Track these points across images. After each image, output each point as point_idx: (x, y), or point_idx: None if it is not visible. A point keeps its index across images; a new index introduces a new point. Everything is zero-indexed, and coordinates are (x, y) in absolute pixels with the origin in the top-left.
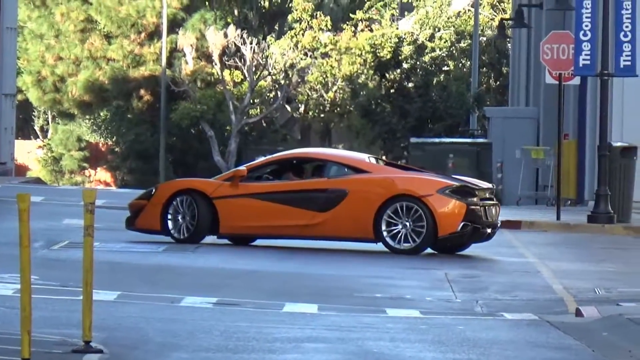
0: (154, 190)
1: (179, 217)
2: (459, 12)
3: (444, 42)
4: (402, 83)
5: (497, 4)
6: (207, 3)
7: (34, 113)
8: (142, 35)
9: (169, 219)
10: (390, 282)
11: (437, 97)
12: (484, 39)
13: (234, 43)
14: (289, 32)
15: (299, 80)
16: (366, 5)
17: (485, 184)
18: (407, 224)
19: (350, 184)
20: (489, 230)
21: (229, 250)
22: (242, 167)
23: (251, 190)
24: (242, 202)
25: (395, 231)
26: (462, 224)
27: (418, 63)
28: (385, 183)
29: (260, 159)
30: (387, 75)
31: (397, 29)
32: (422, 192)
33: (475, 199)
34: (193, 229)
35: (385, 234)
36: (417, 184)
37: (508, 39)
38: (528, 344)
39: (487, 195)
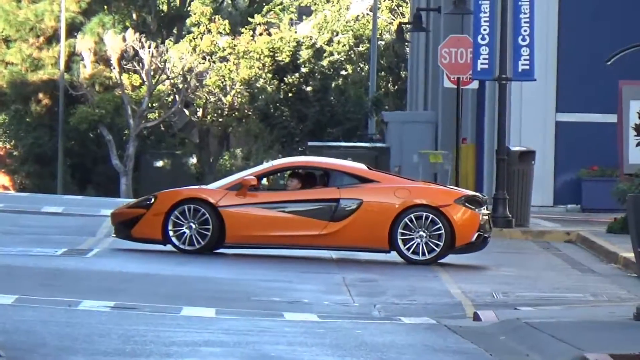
0: (152, 199)
1: (185, 228)
2: (358, 16)
3: (342, 46)
4: (300, 87)
5: (396, 8)
6: (105, 7)
7: None
8: (41, 39)
9: (175, 230)
10: (288, 286)
11: (335, 101)
12: (383, 43)
13: (133, 47)
14: (187, 36)
15: (197, 84)
16: (265, 9)
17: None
18: (423, 234)
19: (365, 194)
20: (488, 240)
21: (127, 254)
22: (251, 176)
23: (260, 200)
24: (251, 212)
25: (411, 241)
26: (477, 234)
27: (316, 67)
28: (402, 193)
29: (264, 167)
30: (286, 79)
31: (296, 32)
32: (440, 202)
33: (482, 209)
34: (207, 239)
35: (400, 244)
36: (434, 193)
37: (406, 43)
38: (426, 348)
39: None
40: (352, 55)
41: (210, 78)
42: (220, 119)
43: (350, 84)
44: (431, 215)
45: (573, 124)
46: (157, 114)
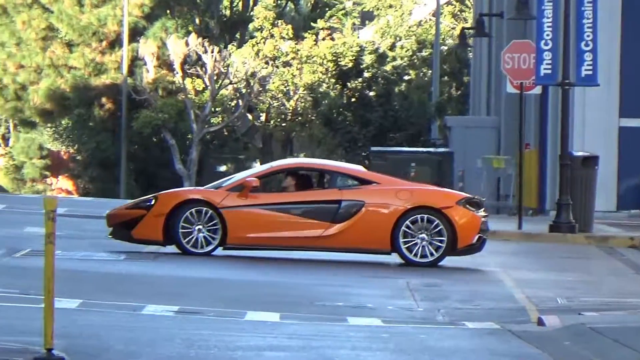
0: (153, 200)
1: (194, 229)
2: (420, 21)
3: (405, 51)
4: (363, 92)
5: (459, 13)
6: (168, 11)
7: None
8: (104, 43)
9: (181, 231)
10: (352, 291)
11: (398, 106)
12: (445, 48)
13: (195, 51)
14: (250, 40)
15: (260, 88)
16: (328, 14)
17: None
18: (425, 236)
19: (367, 195)
20: (486, 242)
21: (189, 259)
22: (253, 178)
23: (261, 201)
24: (252, 213)
25: (412, 243)
26: (478, 236)
27: (379, 72)
28: (404, 194)
29: (263, 168)
30: (349, 84)
31: (359, 37)
32: (442, 204)
33: (482, 211)
34: (217, 241)
35: (402, 245)
36: (436, 195)
37: (469, 48)
38: (489, 352)
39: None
40: (415, 61)
41: (273, 83)
42: (284, 124)
43: (413, 89)
44: (434, 218)
45: (636, 129)
46: (220, 119)
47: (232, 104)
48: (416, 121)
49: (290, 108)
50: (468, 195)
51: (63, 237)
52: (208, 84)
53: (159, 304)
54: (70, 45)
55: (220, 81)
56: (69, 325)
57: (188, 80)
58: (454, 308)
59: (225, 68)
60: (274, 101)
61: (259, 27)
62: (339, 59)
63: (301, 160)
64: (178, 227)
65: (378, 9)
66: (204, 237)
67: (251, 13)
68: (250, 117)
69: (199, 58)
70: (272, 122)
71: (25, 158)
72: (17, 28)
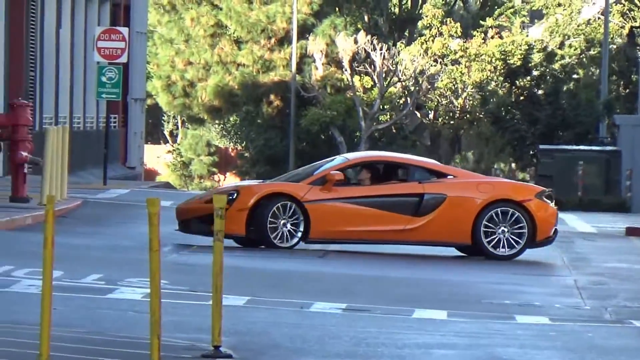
0: (235, 194)
1: (280, 223)
2: (589, 20)
3: (574, 50)
4: (531, 90)
5: (627, 12)
6: (337, 9)
7: (163, 118)
8: (272, 40)
9: (269, 226)
10: (518, 289)
11: (566, 104)
12: (614, 46)
13: (364, 49)
14: (418, 38)
15: (429, 86)
16: (496, 12)
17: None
18: (505, 229)
19: (449, 189)
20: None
21: (355, 257)
22: (337, 171)
23: (343, 194)
24: (335, 207)
25: (493, 236)
26: (554, 228)
27: (548, 70)
28: (484, 187)
29: (340, 162)
30: (517, 82)
31: (527, 36)
32: (522, 197)
33: (554, 204)
34: (300, 234)
35: (483, 238)
36: (515, 188)
37: (638, 47)
38: None
39: None
40: (584, 59)
41: (441, 81)
42: (452, 122)
43: (582, 88)
44: (515, 210)
45: None
46: (388, 116)
47: (401, 101)
48: (584, 120)
49: (459, 106)
50: (544, 188)
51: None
52: (376, 81)
53: (327, 301)
54: (238, 42)
55: (388, 79)
56: (236, 322)
57: (356, 78)
58: (622, 306)
59: (394, 66)
60: (442, 99)
61: (428, 25)
62: (507, 57)
63: (378, 153)
64: (266, 221)
65: (547, 7)
66: (288, 231)
67: (420, 11)
68: (418, 114)
69: (368, 56)
70: (440, 120)
71: (193, 155)
72: (185, 25)
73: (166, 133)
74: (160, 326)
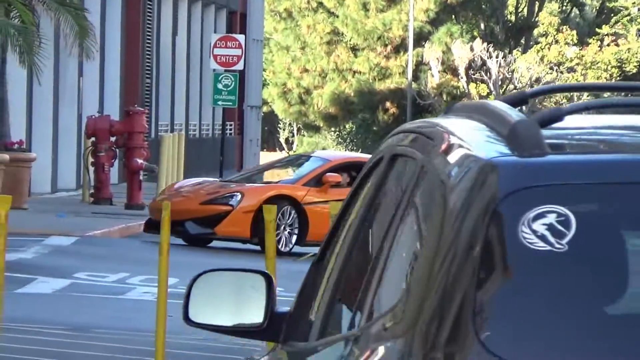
0: (239, 195)
1: (281, 226)
2: None
3: None
4: None
5: None
6: (453, 16)
7: (279, 125)
8: (388, 48)
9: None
10: None
11: None
12: None
13: (480, 56)
14: (534, 46)
15: None
16: (612, 20)
17: None
18: None
19: None
20: None
21: None
22: (335, 173)
23: (337, 197)
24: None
25: None
26: None
27: None
28: None
29: (322, 163)
30: None
31: None
32: None
33: None
34: (295, 238)
35: None
36: None
37: None
38: None
39: None
40: None
41: None
42: None
43: None
44: None
45: None
46: None
47: None
48: None
49: None
50: None
51: None
52: (492, 89)
53: None
54: (354, 49)
55: (504, 86)
56: None
57: (472, 86)
58: None
59: (510, 73)
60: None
61: (544, 33)
62: (623, 65)
63: (356, 154)
64: (258, 223)
65: None
66: (287, 234)
67: (536, 19)
68: None
69: (484, 63)
70: None
71: None
72: (301, 32)
73: (282, 140)
74: None
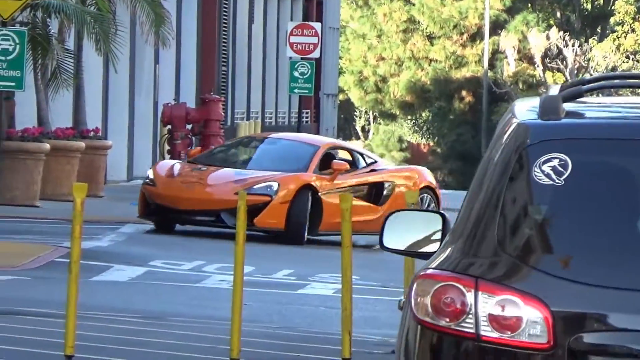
0: (276, 185)
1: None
2: None
3: None
4: None
5: None
6: (529, 5)
7: (355, 113)
8: (465, 36)
9: (305, 219)
10: None
11: None
12: None
13: (556, 45)
14: (611, 34)
15: None
16: None
17: None
18: None
19: (393, 175)
20: None
21: None
22: (343, 161)
23: (344, 184)
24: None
25: None
26: None
27: None
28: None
29: (315, 149)
30: None
31: None
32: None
33: None
34: (306, 227)
35: None
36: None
37: None
38: None
39: None
40: None
41: None
42: None
43: None
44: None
45: None
46: None
47: None
48: None
49: None
50: None
51: None
52: (568, 78)
53: None
54: (430, 37)
55: (580, 75)
56: None
57: (548, 74)
58: None
59: (586, 62)
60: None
61: (620, 22)
62: None
63: (335, 140)
64: (306, 214)
65: None
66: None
67: (612, 7)
68: None
69: (560, 52)
70: None
71: (384, 150)
72: (377, 20)
73: (358, 128)
74: (351, 321)
